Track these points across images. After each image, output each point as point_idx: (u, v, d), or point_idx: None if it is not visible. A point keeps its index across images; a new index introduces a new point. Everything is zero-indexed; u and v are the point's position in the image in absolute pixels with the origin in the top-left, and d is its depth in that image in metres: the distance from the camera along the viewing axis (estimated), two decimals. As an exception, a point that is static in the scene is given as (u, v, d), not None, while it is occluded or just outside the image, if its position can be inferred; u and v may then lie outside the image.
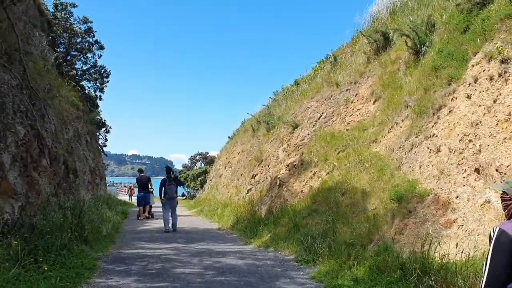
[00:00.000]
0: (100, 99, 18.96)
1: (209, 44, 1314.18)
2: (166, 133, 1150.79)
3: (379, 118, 9.24)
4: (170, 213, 11.02)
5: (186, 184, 40.80)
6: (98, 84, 17.92)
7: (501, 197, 2.32)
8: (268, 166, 12.90)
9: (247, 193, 13.97)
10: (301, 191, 9.58)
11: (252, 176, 14.03)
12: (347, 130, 10.09)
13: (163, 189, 11.17)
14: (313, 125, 11.49)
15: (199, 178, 44.21)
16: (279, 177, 11.06)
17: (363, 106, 10.31)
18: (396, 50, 10.36)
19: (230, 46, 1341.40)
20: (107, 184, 42.64)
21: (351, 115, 10.46)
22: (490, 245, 2.12)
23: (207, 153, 59.18)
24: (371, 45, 11.55)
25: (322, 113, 11.50)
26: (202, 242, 9.40)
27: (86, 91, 18.24)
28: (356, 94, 10.78)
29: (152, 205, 15.39)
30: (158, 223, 13.68)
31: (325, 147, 10.10)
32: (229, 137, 25.15)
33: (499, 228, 2.13)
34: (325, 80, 13.30)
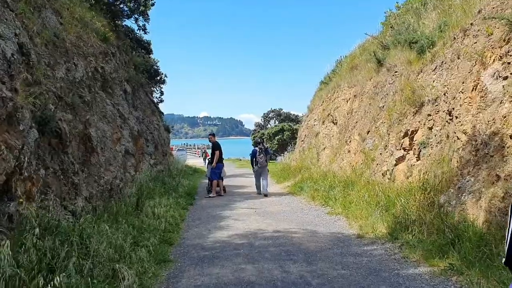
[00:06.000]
0: (145, 30, 13.47)
1: None
2: (234, 93, 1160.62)
3: None
4: (261, 180, 11.57)
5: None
6: (136, 5, 12.24)
7: None
8: (450, 113, 6.52)
9: (395, 165, 7.78)
10: None
11: (405, 133, 7.74)
12: None
13: (254, 159, 11.72)
14: None
15: (276, 137, 38.80)
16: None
17: None
18: None
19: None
20: (177, 149, 38.20)
21: None
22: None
23: (281, 109, 53.30)
24: None
25: None
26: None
27: (130, 28, 12.80)
28: None
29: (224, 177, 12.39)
30: (242, 220, 8.10)
31: None
32: (322, 81, 18.71)
33: None
34: None
